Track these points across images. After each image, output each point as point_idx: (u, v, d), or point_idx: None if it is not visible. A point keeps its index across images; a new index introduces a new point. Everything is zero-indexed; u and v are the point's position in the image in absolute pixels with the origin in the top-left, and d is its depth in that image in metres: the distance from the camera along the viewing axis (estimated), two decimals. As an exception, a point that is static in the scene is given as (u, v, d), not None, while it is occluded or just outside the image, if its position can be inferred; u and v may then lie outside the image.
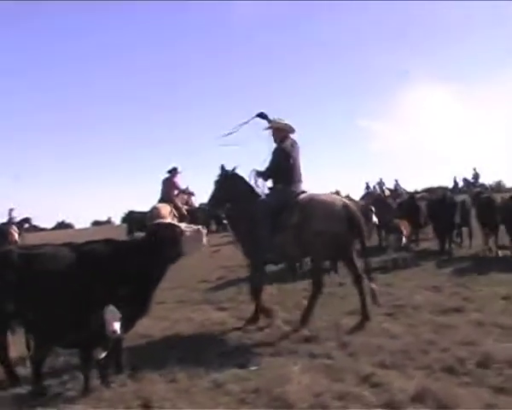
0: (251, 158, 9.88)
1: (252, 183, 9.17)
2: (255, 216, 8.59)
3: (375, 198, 20.80)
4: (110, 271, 6.36)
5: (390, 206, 18.28)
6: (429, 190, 24.86)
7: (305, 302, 8.84)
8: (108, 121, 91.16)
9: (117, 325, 5.74)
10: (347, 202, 8.83)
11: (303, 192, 8.83)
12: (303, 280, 11.78)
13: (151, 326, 8.31)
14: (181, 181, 17.60)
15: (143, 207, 17.76)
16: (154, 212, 16.05)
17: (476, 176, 34.90)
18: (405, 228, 13.91)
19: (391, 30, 79.76)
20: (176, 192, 17.06)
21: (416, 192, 25.48)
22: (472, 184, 31.13)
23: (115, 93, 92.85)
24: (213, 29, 79.28)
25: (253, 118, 9.26)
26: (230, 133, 9.27)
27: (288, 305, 9.67)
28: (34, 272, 6.22)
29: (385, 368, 6.10)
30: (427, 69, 72.53)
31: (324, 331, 7.74)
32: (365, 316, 8.12)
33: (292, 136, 9.08)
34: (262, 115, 9.23)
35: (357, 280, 8.46)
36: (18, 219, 25.26)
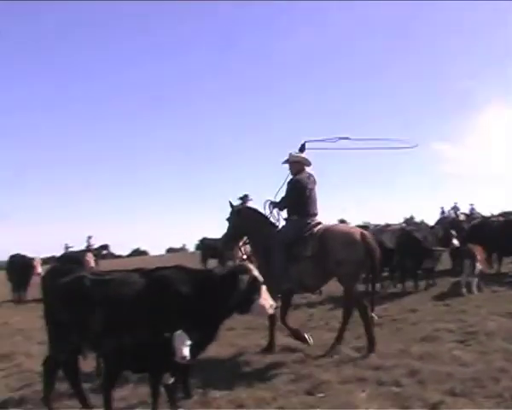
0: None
1: (267, 213, 9.37)
2: (271, 247, 8.73)
3: (449, 222, 20.58)
4: (179, 297, 6.46)
5: (464, 230, 18.05)
6: (505, 214, 24.27)
7: (377, 330, 8.77)
8: (181, 149, 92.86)
9: (186, 351, 5.83)
10: (363, 231, 9.02)
11: (318, 224, 8.95)
12: (375, 307, 11.69)
13: (220, 352, 8.39)
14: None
15: (216, 233, 17.95)
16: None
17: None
18: (479, 253, 13.57)
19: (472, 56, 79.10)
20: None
21: (493, 216, 25.14)
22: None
23: (189, 120, 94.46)
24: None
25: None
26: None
27: (359, 332, 9.57)
28: (105, 297, 6.37)
29: (454, 396, 5.97)
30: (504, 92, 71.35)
31: (393, 358, 7.62)
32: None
33: (308, 169, 9.29)
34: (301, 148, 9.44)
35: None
36: (96, 245, 25.90)
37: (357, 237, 8.50)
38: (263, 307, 6.67)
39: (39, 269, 20.31)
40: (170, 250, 65.43)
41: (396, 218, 43.26)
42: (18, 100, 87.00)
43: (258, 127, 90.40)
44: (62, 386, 6.92)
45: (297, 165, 9.23)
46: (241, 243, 9.82)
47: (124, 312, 6.33)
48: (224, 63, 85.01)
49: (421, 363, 7.27)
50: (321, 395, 6.48)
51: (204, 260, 25.45)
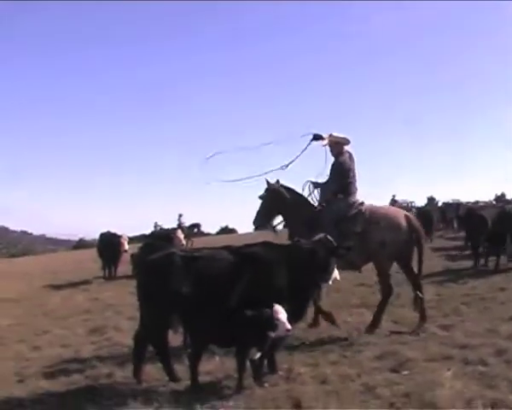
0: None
1: (305, 193, 9.52)
2: (318, 225, 8.67)
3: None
4: (268, 272, 6.63)
5: None
6: None
7: (464, 308, 8.66)
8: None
9: (288, 324, 6.00)
10: (408, 213, 9.41)
11: (362, 203, 9.14)
12: (463, 285, 11.52)
13: (306, 329, 8.47)
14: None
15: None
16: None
17: None
18: None
19: None
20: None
21: None
22: None
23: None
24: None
25: (309, 144, 9.49)
26: (292, 162, 9.58)
27: (446, 310, 9.47)
28: (194, 273, 6.56)
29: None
30: None
31: (480, 337, 7.53)
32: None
33: (347, 147, 9.41)
34: (316, 137, 9.44)
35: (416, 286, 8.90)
36: (187, 224, 26.35)
37: (402, 220, 8.84)
38: (334, 278, 7.06)
39: (126, 246, 21.04)
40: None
41: (486, 195, 42.35)
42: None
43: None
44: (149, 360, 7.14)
45: (338, 146, 9.37)
46: (274, 223, 9.81)
47: (213, 288, 6.51)
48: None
49: (509, 343, 7.14)
50: (405, 372, 6.45)
51: (291, 238, 25.31)
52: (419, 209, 33.40)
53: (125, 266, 21.14)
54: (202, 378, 6.55)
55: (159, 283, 6.62)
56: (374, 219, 8.86)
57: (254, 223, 9.73)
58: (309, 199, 9.51)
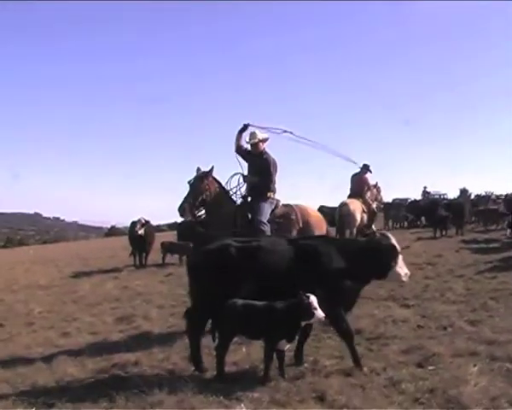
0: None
1: (233, 186, 9.73)
2: (236, 221, 9.19)
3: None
4: (325, 265, 6.75)
5: None
6: None
7: (493, 303, 8.62)
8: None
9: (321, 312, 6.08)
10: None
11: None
12: (493, 279, 11.42)
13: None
14: (370, 178, 17.61)
15: (333, 202, 17.97)
16: (344, 208, 16.29)
17: None
18: None
19: None
20: (366, 188, 17.01)
21: None
22: None
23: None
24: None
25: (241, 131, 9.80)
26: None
27: (475, 305, 9.40)
28: (249, 265, 6.72)
29: None
30: None
31: (509, 334, 7.45)
32: None
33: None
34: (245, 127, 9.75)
35: None
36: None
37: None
38: (399, 275, 6.98)
39: (140, 231, 20.95)
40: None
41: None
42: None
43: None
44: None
45: (263, 143, 9.60)
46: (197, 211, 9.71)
47: (260, 278, 6.65)
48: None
49: (539, 339, 7.06)
50: (431, 367, 6.43)
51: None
52: (450, 201, 33.24)
53: (155, 255, 21.35)
54: (228, 369, 6.62)
55: (212, 271, 6.77)
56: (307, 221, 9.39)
57: (179, 209, 9.57)
58: (232, 192, 9.65)
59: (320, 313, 6.08)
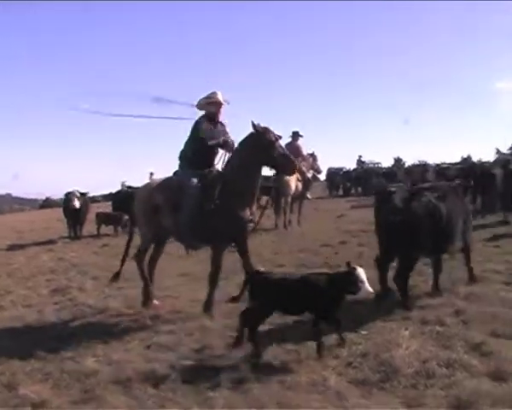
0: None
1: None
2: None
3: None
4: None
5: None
6: None
7: (426, 268, 8.77)
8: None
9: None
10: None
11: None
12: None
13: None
14: (304, 146, 17.66)
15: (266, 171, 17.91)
16: (279, 177, 16.28)
17: None
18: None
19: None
20: (300, 157, 16.90)
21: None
22: None
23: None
24: None
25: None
26: None
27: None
28: None
29: (497, 337, 5.96)
30: None
31: (439, 298, 7.64)
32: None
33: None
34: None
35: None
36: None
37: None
38: None
39: (75, 204, 20.67)
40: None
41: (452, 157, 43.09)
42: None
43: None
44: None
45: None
46: None
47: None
48: None
49: (467, 303, 7.24)
50: (364, 332, 6.55)
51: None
52: (385, 170, 33.90)
53: (90, 226, 21.10)
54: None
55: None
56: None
57: None
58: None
59: (368, 288, 5.86)
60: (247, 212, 7.94)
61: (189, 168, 8.27)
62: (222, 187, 7.85)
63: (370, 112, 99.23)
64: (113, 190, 26.34)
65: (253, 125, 7.81)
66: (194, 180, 8.02)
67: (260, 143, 7.79)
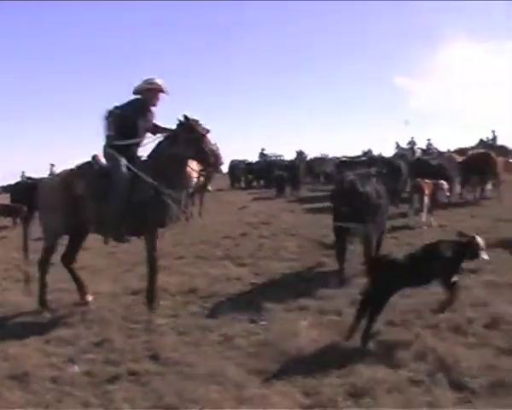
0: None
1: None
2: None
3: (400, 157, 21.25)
4: None
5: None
6: (461, 151, 24.79)
7: (325, 260, 8.91)
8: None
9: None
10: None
11: None
12: (325, 237, 11.77)
13: (167, 281, 8.41)
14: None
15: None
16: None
17: (494, 138, 35.45)
18: (428, 188, 13.60)
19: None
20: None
21: (449, 152, 25.86)
22: (490, 146, 30.65)
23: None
24: None
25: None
26: None
27: (307, 263, 9.72)
28: None
29: (393, 326, 6.12)
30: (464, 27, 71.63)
31: (336, 288, 7.80)
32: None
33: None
34: None
35: None
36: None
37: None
38: None
39: None
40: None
41: (354, 150, 43.89)
42: None
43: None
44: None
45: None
46: None
47: None
48: None
49: (364, 293, 7.37)
50: (263, 323, 6.61)
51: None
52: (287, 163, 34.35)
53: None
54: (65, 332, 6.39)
55: None
56: None
57: None
58: None
59: (485, 255, 6.21)
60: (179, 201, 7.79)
61: (115, 155, 7.80)
62: (152, 177, 7.51)
63: (277, 105, 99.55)
64: (12, 182, 25.53)
65: (185, 117, 7.56)
66: (123, 169, 7.62)
67: (191, 135, 7.55)
